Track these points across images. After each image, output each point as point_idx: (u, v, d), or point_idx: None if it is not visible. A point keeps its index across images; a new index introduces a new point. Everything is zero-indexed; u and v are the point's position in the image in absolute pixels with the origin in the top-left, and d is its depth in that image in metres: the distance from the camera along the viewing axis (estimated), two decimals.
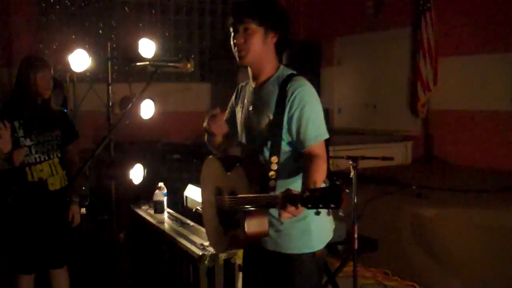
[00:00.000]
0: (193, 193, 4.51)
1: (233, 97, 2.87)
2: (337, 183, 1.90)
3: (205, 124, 2.65)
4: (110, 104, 5.12)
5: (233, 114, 2.83)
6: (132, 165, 4.42)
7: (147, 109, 4.85)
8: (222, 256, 3.38)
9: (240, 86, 2.82)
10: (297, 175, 2.49)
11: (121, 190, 4.56)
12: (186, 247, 3.49)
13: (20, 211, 3.78)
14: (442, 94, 7.72)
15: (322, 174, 2.37)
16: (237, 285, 3.43)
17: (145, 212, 4.30)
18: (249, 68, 2.64)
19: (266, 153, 2.50)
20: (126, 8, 8.39)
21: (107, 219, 5.05)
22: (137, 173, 4.33)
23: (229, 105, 2.91)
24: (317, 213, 1.93)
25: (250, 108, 2.62)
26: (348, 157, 4.20)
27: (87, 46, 5.22)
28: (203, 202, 2.90)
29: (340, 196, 1.88)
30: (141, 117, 4.85)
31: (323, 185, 2.22)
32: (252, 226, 2.31)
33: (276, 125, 2.47)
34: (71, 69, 4.86)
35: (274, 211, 2.35)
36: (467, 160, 7.37)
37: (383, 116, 8.66)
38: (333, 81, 9.45)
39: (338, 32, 9.40)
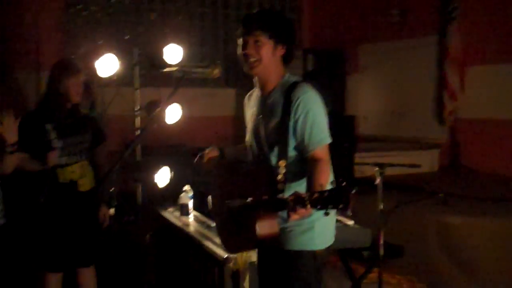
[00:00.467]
0: None
1: (244, 106, 2.97)
2: (343, 184, 1.97)
3: (195, 161, 2.90)
4: (137, 108, 5.17)
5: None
6: (158, 168, 4.45)
7: (174, 113, 4.87)
8: (247, 259, 3.37)
9: (248, 94, 2.94)
10: (303, 178, 2.56)
11: (147, 193, 4.59)
12: (211, 249, 3.48)
13: (50, 211, 3.82)
14: (469, 102, 7.67)
15: (327, 176, 2.46)
16: (243, 285, 3.40)
17: (171, 214, 4.31)
18: (256, 77, 2.73)
19: (274, 158, 2.59)
20: (153, 14, 8.45)
21: (133, 221, 5.09)
22: (163, 176, 4.36)
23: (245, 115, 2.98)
24: (327, 214, 1.99)
25: (260, 117, 2.72)
26: (375, 164, 4.18)
27: (113, 52, 5.27)
28: (214, 206, 2.97)
29: (348, 197, 1.94)
30: (167, 122, 4.88)
31: (329, 187, 2.23)
32: (263, 228, 2.37)
33: (282, 131, 2.56)
34: (97, 74, 4.91)
35: (281, 212, 2.40)
36: (494, 169, 7.29)
37: (410, 123, 8.60)
38: (358, 88, 9.41)
39: (363, 40, 9.37)
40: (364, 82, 9.41)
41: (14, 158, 3.29)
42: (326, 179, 2.42)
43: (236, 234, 2.60)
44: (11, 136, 3.25)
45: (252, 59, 2.61)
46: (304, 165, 2.56)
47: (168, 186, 4.43)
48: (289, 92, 2.58)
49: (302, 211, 2.08)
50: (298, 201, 2.08)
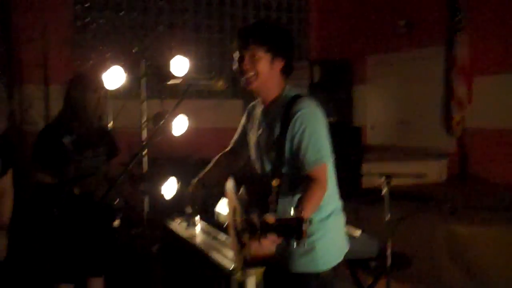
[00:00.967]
0: (223, 209, 4.51)
1: (244, 116, 2.89)
2: (301, 215, 1.92)
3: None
4: (144, 120, 5.19)
5: (244, 133, 2.86)
6: (165, 180, 4.46)
7: (180, 125, 4.89)
8: (256, 271, 3.36)
9: (251, 105, 2.84)
10: (297, 195, 2.43)
11: (154, 204, 4.59)
12: (218, 261, 3.48)
13: (65, 223, 3.86)
14: (477, 112, 7.66)
15: (315, 200, 2.35)
16: None
17: (178, 225, 4.31)
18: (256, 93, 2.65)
19: (270, 174, 2.52)
20: (160, 27, 8.51)
21: (140, 233, 5.09)
22: (170, 187, 4.36)
23: (240, 124, 2.93)
24: (288, 245, 1.95)
25: (260, 130, 2.64)
26: (381, 174, 4.18)
27: (121, 64, 5.30)
28: (228, 220, 2.91)
29: (301, 230, 1.89)
30: (174, 133, 4.90)
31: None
32: (257, 248, 2.28)
33: (279, 147, 2.47)
34: (105, 86, 4.94)
35: None
36: (503, 179, 7.26)
37: (417, 133, 8.59)
38: (365, 99, 9.42)
39: (370, 51, 9.40)
40: (371, 93, 9.42)
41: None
42: (312, 204, 2.32)
43: (239, 251, 2.54)
44: None
45: (248, 75, 2.52)
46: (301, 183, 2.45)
47: (175, 197, 4.43)
48: (288, 107, 2.48)
49: (268, 237, 2.02)
50: (264, 227, 2.02)
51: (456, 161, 7.99)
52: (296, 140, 2.42)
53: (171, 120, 4.69)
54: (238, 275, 3.33)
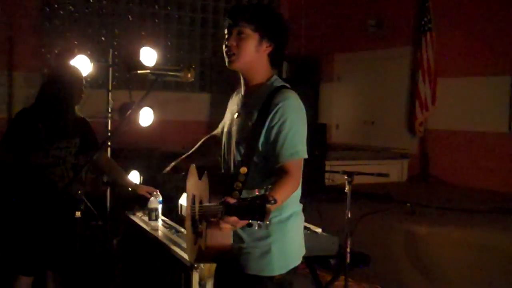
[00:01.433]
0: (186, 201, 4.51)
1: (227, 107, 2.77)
2: (265, 193, 1.86)
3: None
4: (110, 110, 5.16)
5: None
6: (128, 172, 4.44)
7: (146, 116, 4.88)
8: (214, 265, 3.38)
9: (235, 92, 2.70)
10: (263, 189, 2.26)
11: (116, 197, 4.57)
12: (179, 255, 3.48)
13: (26, 211, 3.81)
14: (439, 114, 7.79)
15: (286, 192, 2.25)
16: None
17: (140, 219, 4.29)
18: (240, 74, 2.52)
19: (239, 161, 2.40)
20: (129, 16, 8.43)
21: (101, 225, 5.07)
22: (133, 180, 4.35)
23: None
24: (249, 225, 1.90)
25: (235, 116, 2.52)
26: (344, 172, 4.23)
27: (88, 52, 5.25)
28: (186, 211, 2.79)
29: (264, 208, 1.82)
30: (139, 125, 4.88)
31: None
32: (213, 237, 2.21)
33: (253, 135, 2.35)
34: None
35: (238, 228, 2.22)
36: (462, 180, 7.41)
37: (381, 133, 8.71)
38: (332, 97, 9.51)
39: (338, 49, 9.47)
40: (338, 91, 9.51)
41: None
42: (284, 194, 2.22)
43: (195, 243, 2.44)
44: None
45: (231, 52, 2.41)
46: (271, 177, 2.32)
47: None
48: (271, 96, 2.35)
49: (229, 219, 1.95)
50: (227, 208, 1.95)
51: (417, 162, 8.12)
52: (274, 131, 2.31)
53: (138, 111, 4.68)
54: (198, 270, 3.35)
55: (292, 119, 2.32)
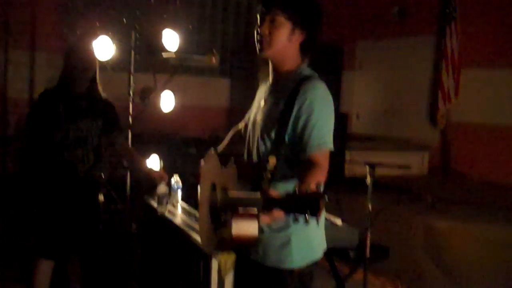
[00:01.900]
0: None
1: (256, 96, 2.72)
2: (320, 189, 1.77)
3: None
4: (131, 93, 5.12)
5: None
6: (148, 156, 4.42)
7: (167, 101, 4.84)
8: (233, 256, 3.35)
9: (264, 81, 2.65)
10: (292, 180, 2.26)
11: (136, 181, 4.56)
12: (198, 242, 3.46)
13: (48, 193, 3.82)
14: (462, 106, 7.69)
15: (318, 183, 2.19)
16: (229, 279, 3.36)
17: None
18: (269, 62, 2.47)
19: (265, 152, 2.37)
20: None
21: (121, 209, 5.05)
22: (153, 164, 4.32)
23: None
24: (295, 220, 1.78)
25: (262, 104, 2.49)
26: (366, 163, 4.17)
27: (110, 34, 5.21)
28: (200, 197, 2.75)
29: (318, 204, 1.74)
30: (160, 109, 4.85)
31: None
32: (239, 228, 2.13)
33: (280, 125, 2.31)
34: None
35: None
36: (484, 174, 7.32)
37: (402, 124, 8.61)
38: (353, 86, 9.41)
39: (361, 37, 9.37)
40: (360, 79, 9.42)
41: None
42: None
43: (214, 232, 2.41)
44: None
45: (263, 40, 2.37)
46: (297, 167, 2.29)
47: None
48: (298, 84, 2.31)
49: (271, 213, 1.89)
50: (267, 201, 1.89)
51: (438, 154, 8.03)
52: (301, 121, 2.27)
53: (159, 96, 4.64)
54: (217, 257, 3.33)
55: (320, 110, 2.29)
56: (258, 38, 2.39)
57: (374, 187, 4.16)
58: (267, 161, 2.18)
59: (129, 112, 5.04)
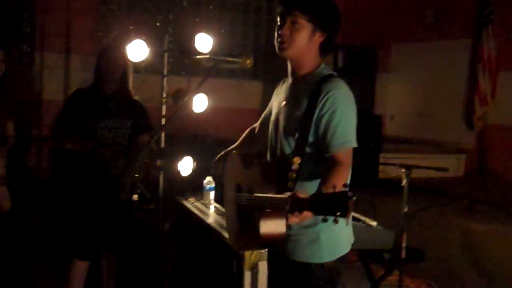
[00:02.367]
0: None
1: (274, 94, 2.76)
2: (347, 190, 1.79)
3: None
4: (164, 96, 5.16)
5: (269, 115, 2.72)
6: (181, 158, 4.43)
7: (200, 103, 4.85)
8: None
9: (281, 82, 2.70)
10: (317, 179, 2.31)
11: (169, 182, 4.57)
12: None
13: (80, 191, 3.87)
14: (499, 108, 7.56)
15: (342, 180, 2.17)
16: (262, 278, 3.35)
17: (192, 204, 4.29)
18: (288, 63, 2.52)
19: (289, 152, 2.39)
20: (184, 2, 8.44)
21: (154, 209, 5.08)
22: (186, 165, 4.33)
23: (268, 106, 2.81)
24: (324, 220, 1.80)
25: (283, 104, 2.51)
26: (401, 165, 4.12)
27: (144, 38, 5.26)
28: (225, 198, 2.80)
29: (347, 205, 1.76)
30: (193, 111, 4.86)
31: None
32: (267, 226, 2.20)
33: (303, 124, 2.33)
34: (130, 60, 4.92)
35: None
36: None
37: (437, 126, 8.49)
38: (387, 88, 9.31)
39: (396, 39, 9.27)
40: (394, 82, 9.31)
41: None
42: (341, 183, 2.10)
43: (243, 231, 2.46)
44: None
45: (283, 40, 2.40)
46: (322, 166, 2.31)
47: (190, 176, 4.40)
48: (320, 84, 2.34)
49: (300, 214, 1.90)
50: (295, 202, 1.90)
51: (474, 157, 7.91)
52: (324, 120, 2.29)
53: (192, 98, 4.66)
54: (251, 257, 3.31)
55: (343, 108, 2.31)
56: (279, 39, 2.43)
57: (409, 189, 4.10)
58: (292, 161, 2.24)
59: (162, 114, 5.08)
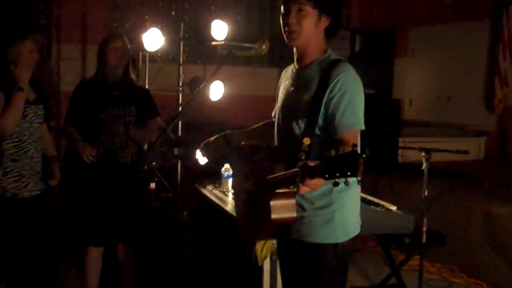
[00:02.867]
0: None
1: (280, 80, 2.78)
2: (355, 149, 1.83)
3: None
4: (181, 84, 5.16)
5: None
6: (199, 146, 4.42)
7: (216, 91, 4.84)
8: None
9: (285, 69, 2.75)
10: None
11: (187, 170, 4.58)
12: None
13: (91, 182, 3.89)
14: None
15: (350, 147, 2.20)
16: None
17: (210, 192, 4.29)
18: (294, 49, 2.57)
19: (298, 134, 2.41)
20: None
21: (172, 197, 5.09)
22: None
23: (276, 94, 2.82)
24: (335, 184, 1.85)
25: (291, 89, 2.55)
26: (421, 149, 4.08)
27: (159, 26, 5.26)
28: (233, 189, 2.87)
29: (357, 162, 1.79)
30: (209, 99, 4.85)
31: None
32: (278, 209, 2.22)
33: (313, 107, 2.37)
34: (143, 48, 4.92)
35: (298, 197, 2.33)
36: None
37: (456, 109, 8.38)
38: (406, 72, 9.20)
39: (414, 22, 9.14)
40: (412, 65, 9.20)
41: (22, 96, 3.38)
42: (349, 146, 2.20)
43: (253, 220, 2.47)
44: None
45: (292, 30, 2.44)
46: (330, 148, 2.31)
47: (208, 164, 4.40)
48: (328, 68, 2.39)
49: (310, 182, 1.95)
50: (306, 170, 1.95)
51: (495, 140, 7.81)
52: (333, 102, 2.34)
53: (208, 86, 4.65)
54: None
55: (352, 91, 2.36)
56: (286, 28, 2.46)
57: (429, 173, 4.06)
58: (302, 141, 2.27)
59: (179, 102, 5.09)
